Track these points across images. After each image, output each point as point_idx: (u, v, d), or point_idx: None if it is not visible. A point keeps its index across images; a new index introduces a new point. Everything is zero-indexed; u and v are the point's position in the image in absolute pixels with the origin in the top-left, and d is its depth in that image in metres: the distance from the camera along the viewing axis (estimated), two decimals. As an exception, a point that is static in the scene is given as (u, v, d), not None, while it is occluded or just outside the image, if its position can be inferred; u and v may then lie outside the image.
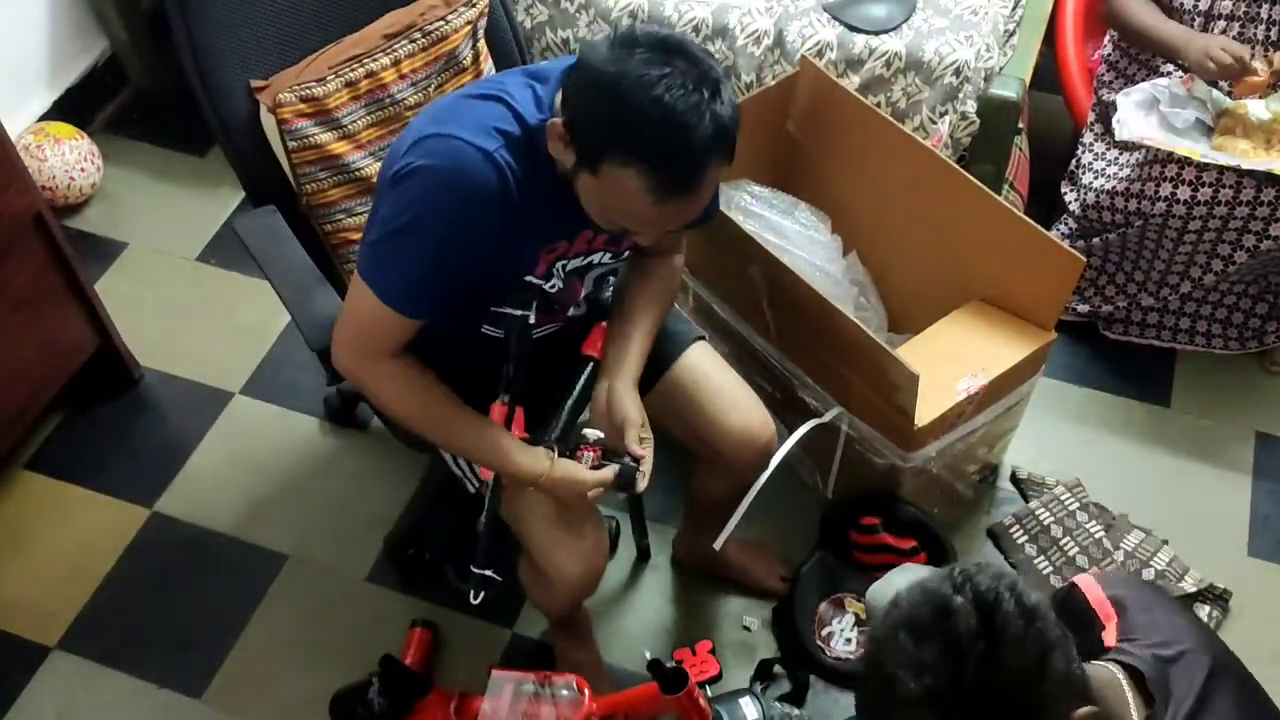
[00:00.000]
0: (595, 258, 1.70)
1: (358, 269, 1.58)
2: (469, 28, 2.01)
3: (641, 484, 1.65)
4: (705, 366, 1.87)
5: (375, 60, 1.96)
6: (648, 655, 1.71)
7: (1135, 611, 1.38)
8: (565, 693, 1.68)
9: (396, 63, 1.97)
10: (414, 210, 1.48)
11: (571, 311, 1.78)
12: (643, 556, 2.30)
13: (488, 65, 2.09)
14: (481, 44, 2.07)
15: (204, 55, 1.85)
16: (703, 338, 1.92)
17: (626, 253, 1.74)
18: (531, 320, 1.65)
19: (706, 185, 1.45)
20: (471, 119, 1.49)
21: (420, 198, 1.48)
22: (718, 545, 2.06)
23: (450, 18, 1.99)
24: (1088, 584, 1.42)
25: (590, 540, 1.77)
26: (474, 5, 2.01)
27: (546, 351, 1.75)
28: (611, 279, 1.84)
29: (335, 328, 1.63)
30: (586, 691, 1.70)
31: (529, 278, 1.63)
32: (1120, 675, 1.30)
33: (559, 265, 1.67)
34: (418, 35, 1.98)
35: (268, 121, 1.92)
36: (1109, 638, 1.35)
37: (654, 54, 1.36)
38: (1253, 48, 2.31)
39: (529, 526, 1.75)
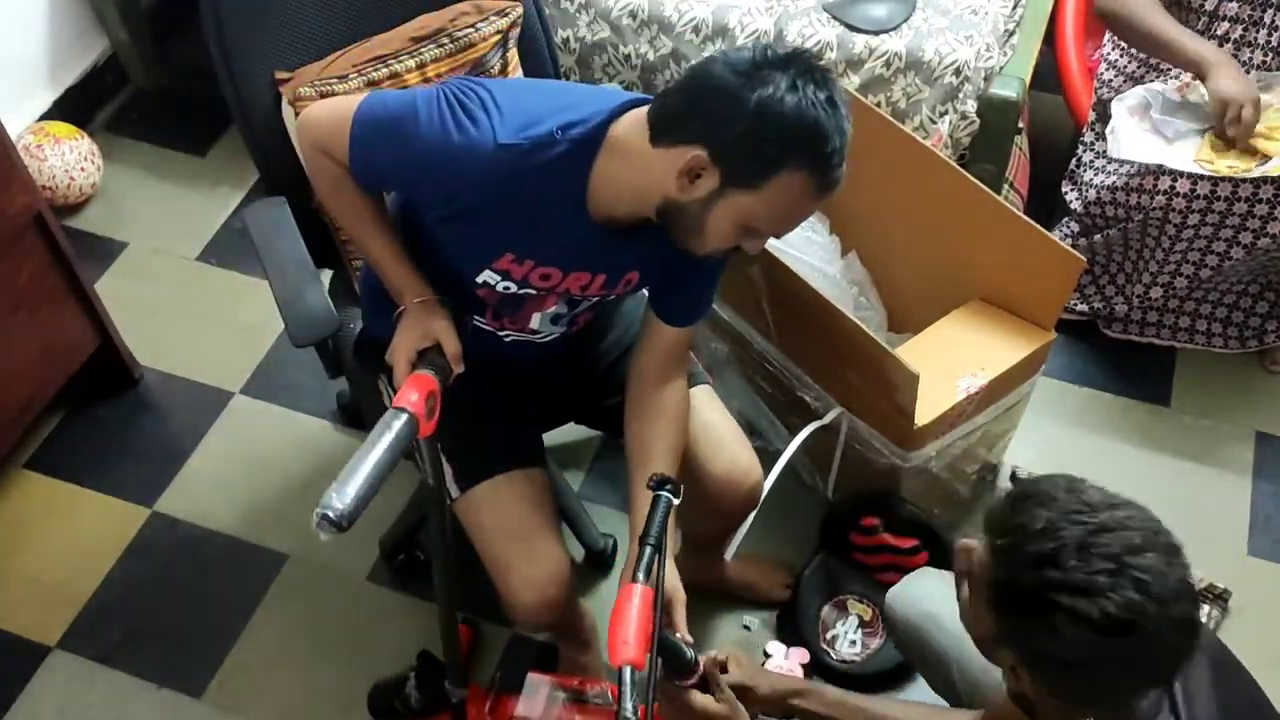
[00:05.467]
0: (581, 307, 1.72)
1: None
2: (499, 36, 2.00)
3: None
4: (698, 404, 1.83)
5: (400, 62, 1.94)
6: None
7: None
8: (599, 701, 1.67)
9: (421, 66, 1.96)
10: (424, 113, 1.49)
11: (535, 325, 1.74)
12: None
13: (516, 76, 2.08)
14: (512, 53, 2.05)
15: (231, 42, 1.85)
16: (708, 382, 1.91)
17: (597, 298, 1.71)
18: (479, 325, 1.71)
19: None
20: (525, 115, 1.49)
21: (432, 118, 1.49)
22: (728, 556, 2.08)
23: (481, 25, 1.98)
24: None
25: (543, 570, 1.73)
26: (506, 15, 2.00)
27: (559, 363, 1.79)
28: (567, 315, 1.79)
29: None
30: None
31: (480, 278, 1.61)
32: None
33: (546, 315, 1.69)
34: (445, 40, 1.96)
35: (288, 114, 1.92)
36: None
37: (791, 69, 1.41)
38: (1252, 51, 2.31)
39: (485, 544, 1.74)
